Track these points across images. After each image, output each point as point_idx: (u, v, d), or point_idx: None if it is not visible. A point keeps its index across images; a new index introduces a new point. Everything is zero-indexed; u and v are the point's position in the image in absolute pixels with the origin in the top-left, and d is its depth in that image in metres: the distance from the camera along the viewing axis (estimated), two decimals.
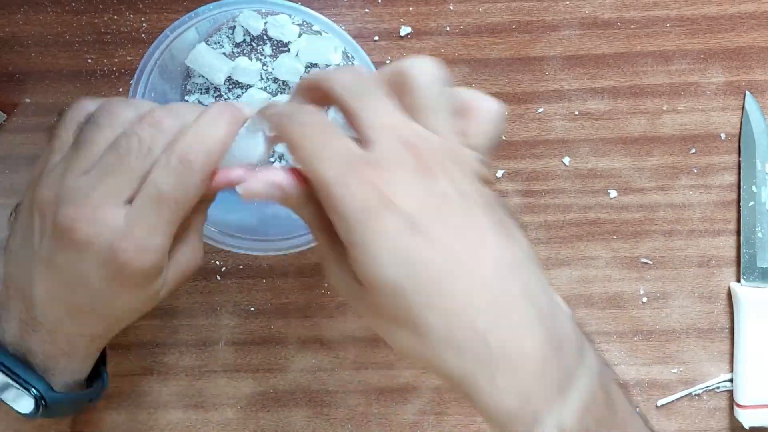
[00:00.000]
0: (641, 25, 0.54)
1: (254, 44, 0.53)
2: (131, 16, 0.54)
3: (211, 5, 0.46)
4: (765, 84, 0.54)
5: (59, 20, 0.54)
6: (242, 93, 0.52)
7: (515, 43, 0.54)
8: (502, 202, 0.34)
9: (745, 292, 0.54)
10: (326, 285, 0.56)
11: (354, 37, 0.53)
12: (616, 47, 0.54)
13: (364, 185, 0.31)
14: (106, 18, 0.54)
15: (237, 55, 0.53)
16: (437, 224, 0.31)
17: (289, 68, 0.52)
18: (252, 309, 0.56)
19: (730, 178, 0.55)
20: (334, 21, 0.53)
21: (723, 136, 0.55)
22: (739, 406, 0.53)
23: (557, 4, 0.54)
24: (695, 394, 0.56)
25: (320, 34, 0.52)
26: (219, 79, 0.51)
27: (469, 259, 0.31)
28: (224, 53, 0.53)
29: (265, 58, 0.53)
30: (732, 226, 0.55)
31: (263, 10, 0.52)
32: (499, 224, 0.33)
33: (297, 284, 0.56)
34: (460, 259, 0.31)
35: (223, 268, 0.55)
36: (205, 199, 0.38)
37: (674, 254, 0.55)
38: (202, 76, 0.52)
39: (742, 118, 0.54)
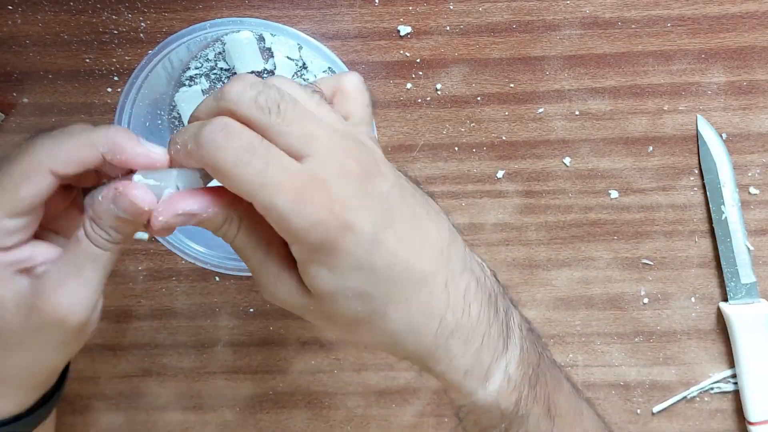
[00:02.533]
0: (642, 25, 0.54)
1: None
2: (129, 15, 0.54)
3: (181, 32, 0.47)
4: (766, 84, 0.54)
5: (57, 20, 0.54)
6: None
7: (516, 42, 0.54)
8: (412, 181, 0.36)
9: (735, 311, 0.54)
10: None
11: (354, 37, 0.54)
12: (617, 47, 0.54)
13: (319, 211, 0.31)
14: (104, 18, 0.54)
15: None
16: (389, 230, 0.33)
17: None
18: (251, 310, 0.56)
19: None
20: (333, 21, 0.53)
21: (725, 136, 0.54)
22: (751, 423, 0.53)
23: (558, 4, 0.53)
24: (691, 396, 0.55)
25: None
26: None
27: (422, 258, 0.34)
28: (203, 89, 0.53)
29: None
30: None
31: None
32: (429, 208, 0.35)
33: None
34: (413, 261, 0.34)
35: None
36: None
37: (675, 255, 0.55)
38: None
39: (697, 142, 0.54)
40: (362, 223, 0.32)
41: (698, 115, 0.53)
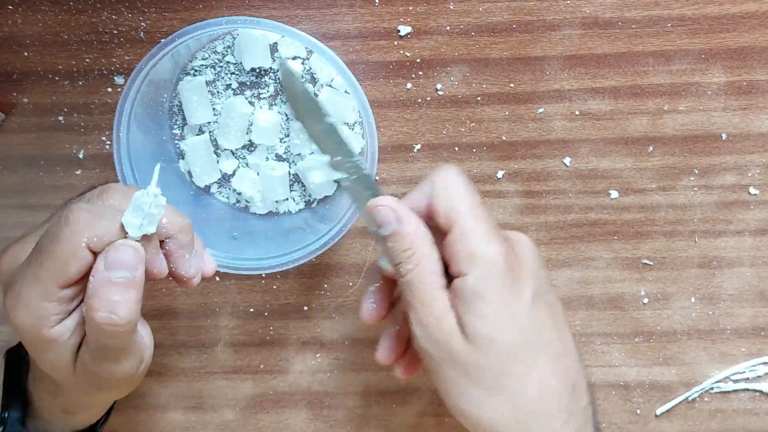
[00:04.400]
0: (642, 25, 0.54)
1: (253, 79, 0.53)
2: (129, 15, 0.54)
3: (195, 25, 0.46)
4: (766, 84, 0.54)
5: (57, 20, 0.54)
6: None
7: (515, 42, 0.54)
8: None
9: None
10: (326, 286, 0.55)
11: (354, 37, 0.54)
12: (617, 47, 0.54)
13: (507, 249, 0.40)
14: (104, 17, 0.54)
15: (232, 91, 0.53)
16: (542, 308, 0.40)
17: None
18: (251, 310, 0.56)
19: (731, 178, 0.55)
20: (333, 21, 0.53)
21: (724, 136, 0.54)
22: None
23: (558, 4, 0.53)
24: (691, 399, 0.56)
25: (345, 92, 0.52)
26: (204, 181, 0.53)
27: (565, 342, 0.41)
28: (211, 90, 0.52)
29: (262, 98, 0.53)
30: (732, 227, 0.55)
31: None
32: (562, 317, 0.42)
33: (296, 285, 0.55)
34: (556, 338, 0.40)
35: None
36: None
37: (675, 255, 0.55)
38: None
39: None
40: (529, 279, 0.40)
41: None
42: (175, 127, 0.53)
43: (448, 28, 0.54)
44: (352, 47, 0.54)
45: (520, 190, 0.55)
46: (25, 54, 0.54)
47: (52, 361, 0.38)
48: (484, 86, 0.54)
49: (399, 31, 0.54)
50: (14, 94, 0.54)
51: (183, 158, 0.53)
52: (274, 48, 0.52)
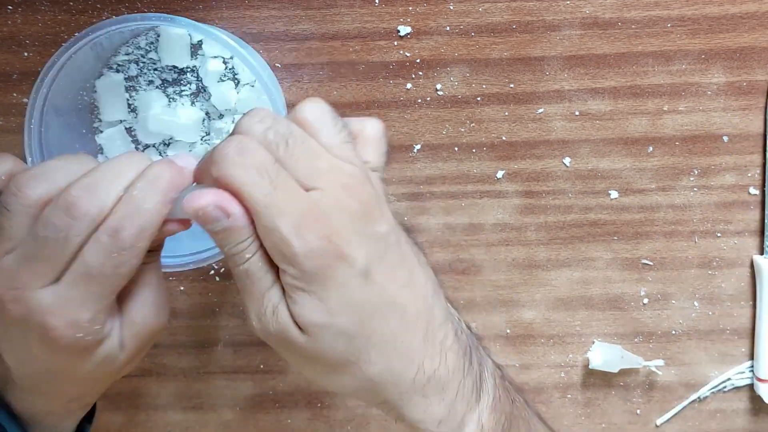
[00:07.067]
0: (642, 25, 0.54)
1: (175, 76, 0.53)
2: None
3: (111, 20, 0.46)
4: (766, 84, 0.54)
5: (57, 20, 0.54)
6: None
7: (515, 43, 0.54)
8: (407, 230, 0.39)
9: None
10: None
11: (354, 37, 0.53)
12: (617, 47, 0.54)
13: (320, 240, 0.33)
14: (104, 18, 0.54)
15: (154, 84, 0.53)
16: (380, 267, 0.35)
17: (225, 98, 0.52)
18: None
19: (731, 178, 0.55)
20: (333, 21, 0.53)
21: (726, 138, 0.54)
22: (760, 380, 0.53)
23: (558, 4, 0.53)
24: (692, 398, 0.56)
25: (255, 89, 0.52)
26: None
27: (408, 300, 0.36)
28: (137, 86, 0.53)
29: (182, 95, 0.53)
30: (732, 227, 0.55)
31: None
32: (420, 257, 0.38)
33: None
34: (400, 301, 0.36)
35: (222, 269, 0.55)
36: (154, 251, 0.37)
37: (675, 255, 0.55)
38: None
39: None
40: (356, 256, 0.34)
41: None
42: (96, 121, 0.53)
43: (448, 28, 0.54)
44: (352, 47, 0.54)
45: (520, 191, 0.55)
46: (25, 54, 0.54)
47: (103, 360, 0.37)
48: (484, 86, 0.54)
49: (399, 31, 0.54)
50: (14, 94, 0.54)
51: (102, 152, 0.54)
52: (198, 46, 0.52)
